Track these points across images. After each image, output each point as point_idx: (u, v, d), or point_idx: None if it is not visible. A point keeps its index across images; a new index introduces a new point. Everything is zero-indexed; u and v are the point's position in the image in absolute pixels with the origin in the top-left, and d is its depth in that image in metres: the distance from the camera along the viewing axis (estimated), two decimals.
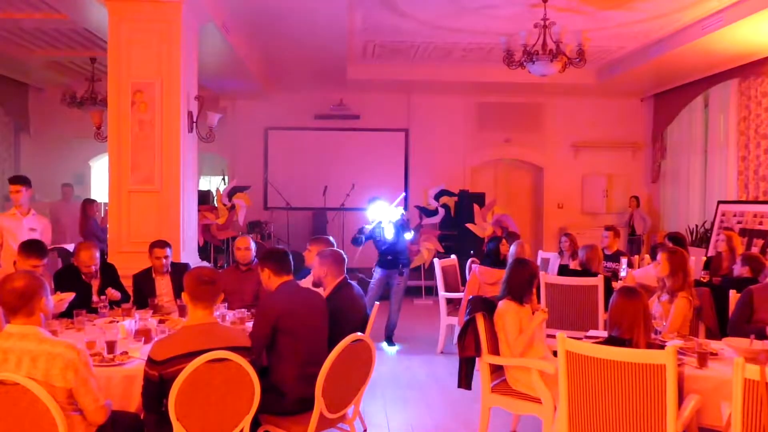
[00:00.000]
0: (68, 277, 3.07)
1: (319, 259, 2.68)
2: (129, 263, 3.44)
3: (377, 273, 4.41)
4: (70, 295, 2.74)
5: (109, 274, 3.21)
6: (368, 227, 4.40)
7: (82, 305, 2.81)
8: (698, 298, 2.84)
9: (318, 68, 6.61)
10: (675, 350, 1.86)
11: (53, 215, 5.97)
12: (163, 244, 3.26)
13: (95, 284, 3.10)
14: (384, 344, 4.50)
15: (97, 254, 3.12)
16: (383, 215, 4.42)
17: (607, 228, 4.60)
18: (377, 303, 2.83)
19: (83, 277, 3.08)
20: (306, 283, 2.87)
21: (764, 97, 5.73)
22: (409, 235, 4.60)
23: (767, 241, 5.14)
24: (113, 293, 3.03)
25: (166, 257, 3.23)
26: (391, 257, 4.39)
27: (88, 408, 1.77)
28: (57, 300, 2.62)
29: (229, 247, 6.04)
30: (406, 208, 7.83)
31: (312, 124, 8.00)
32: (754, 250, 5.05)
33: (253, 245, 3.45)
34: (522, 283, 2.59)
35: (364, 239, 4.41)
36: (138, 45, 3.81)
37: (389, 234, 4.36)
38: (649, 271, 3.63)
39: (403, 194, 4.62)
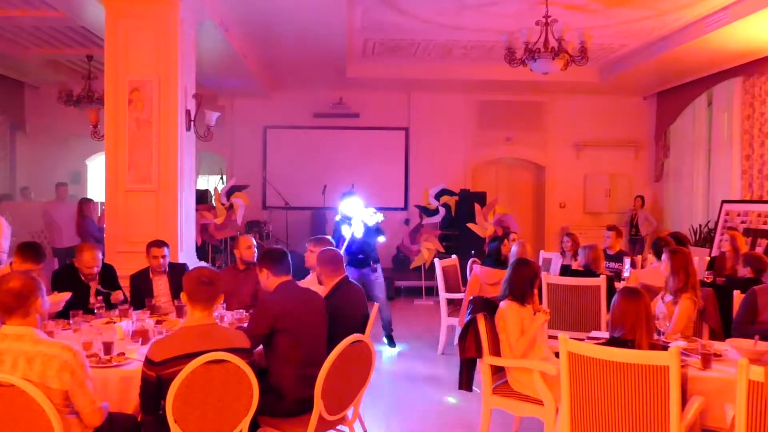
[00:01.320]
0: (67, 277, 3.05)
1: (316, 260, 2.73)
2: (126, 263, 3.42)
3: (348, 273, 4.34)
4: (66, 295, 2.72)
5: (108, 276, 3.18)
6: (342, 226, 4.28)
7: (79, 306, 2.78)
8: (702, 299, 2.81)
9: (317, 66, 6.58)
10: (678, 351, 1.85)
11: (47, 215, 5.92)
12: (160, 243, 3.24)
13: (94, 286, 3.08)
14: (385, 345, 4.47)
15: (100, 255, 3.10)
16: (356, 212, 4.34)
17: (610, 228, 4.56)
18: (376, 303, 2.80)
19: (82, 278, 3.05)
20: (307, 282, 2.85)
21: None
22: (381, 238, 4.51)
23: None
24: (117, 297, 3.01)
25: (163, 257, 3.20)
26: (363, 256, 4.33)
27: (85, 410, 1.75)
28: (53, 300, 2.60)
29: (228, 247, 6.00)
30: (406, 206, 7.80)
31: (311, 122, 7.96)
32: (759, 250, 5.02)
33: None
34: (523, 284, 2.57)
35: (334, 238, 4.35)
36: (135, 43, 3.78)
37: (358, 232, 4.27)
38: (656, 270, 3.59)
39: (382, 217, 4.54)
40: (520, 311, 2.55)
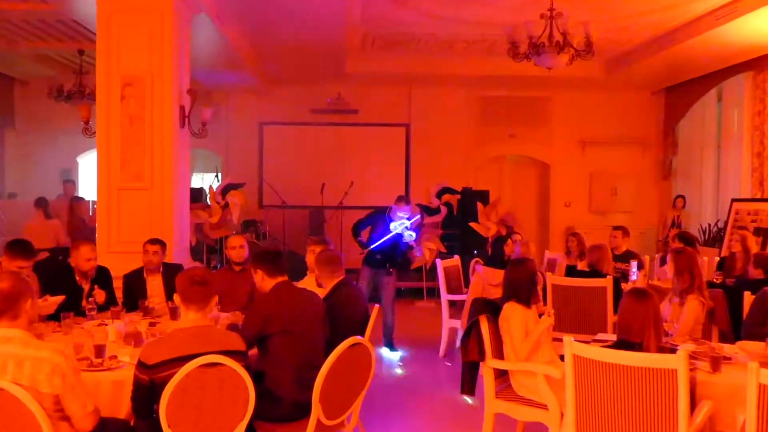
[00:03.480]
0: (62, 278, 3.00)
1: (315, 261, 2.74)
2: (118, 264, 3.35)
3: (363, 272, 4.31)
4: (59, 299, 2.66)
5: (102, 279, 3.12)
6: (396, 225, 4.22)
7: (71, 308, 2.73)
8: (711, 300, 2.77)
9: (315, 61, 6.51)
10: (687, 354, 1.83)
11: (54, 213, 5.85)
12: (154, 241, 3.22)
13: (87, 288, 3.02)
14: (385, 348, 4.40)
15: (95, 250, 3.04)
16: (403, 221, 4.31)
17: (616, 228, 4.50)
18: (377, 305, 2.76)
19: (77, 278, 3.00)
20: (305, 284, 2.81)
21: None
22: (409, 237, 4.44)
23: None
24: (99, 292, 2.95)
25: (155, 253, 3.17)
26: (380, 257, 4.30)
27: (76, 415, 1.72)
28: (44, 302, 2.55)
29: (222, 246, 5.93)
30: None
31: (309, 119, 7.87)
32: None
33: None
34: (523, 284, 2.53)
35: (362, 227, 4.29)
36: (128, 37, 3.73)
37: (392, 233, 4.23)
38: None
39: (417, 217, 4.54)
40: (525, 313, 2.51)
